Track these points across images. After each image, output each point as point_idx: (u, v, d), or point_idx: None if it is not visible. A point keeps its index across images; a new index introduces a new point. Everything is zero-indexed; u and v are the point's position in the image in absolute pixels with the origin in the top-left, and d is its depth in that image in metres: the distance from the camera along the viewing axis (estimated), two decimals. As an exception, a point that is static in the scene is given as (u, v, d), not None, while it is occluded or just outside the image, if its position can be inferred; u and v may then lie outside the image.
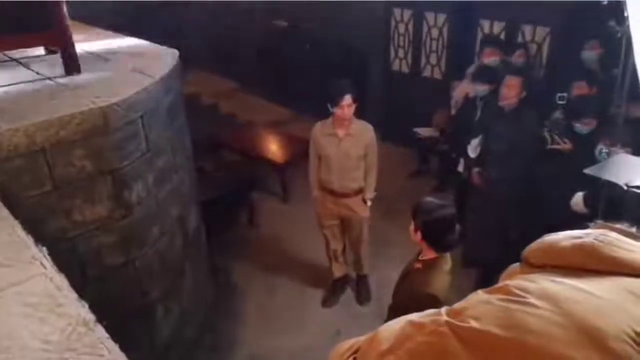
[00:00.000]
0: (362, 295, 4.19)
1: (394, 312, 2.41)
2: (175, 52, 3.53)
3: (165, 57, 3.43)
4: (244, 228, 5.31)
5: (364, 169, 3.76)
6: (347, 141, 3.64)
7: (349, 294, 4.31)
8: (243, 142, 6.18)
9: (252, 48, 8.13)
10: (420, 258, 2.47)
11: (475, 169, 3.96)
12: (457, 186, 4.78)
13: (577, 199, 3.08)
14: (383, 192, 5.64)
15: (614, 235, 1.12)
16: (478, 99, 4.39)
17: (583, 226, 1.95)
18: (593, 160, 3.15)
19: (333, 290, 4.26)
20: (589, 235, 1.13)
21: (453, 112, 5.09)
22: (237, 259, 4.79)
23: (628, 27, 2.30)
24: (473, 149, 3.95)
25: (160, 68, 3.13)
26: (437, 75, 6.08)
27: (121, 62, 3.30)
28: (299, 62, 7.48)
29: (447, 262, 2.41)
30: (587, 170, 1.75)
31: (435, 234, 2.35)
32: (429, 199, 2.43)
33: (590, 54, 4.31)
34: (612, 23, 2.45)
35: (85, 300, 1.60)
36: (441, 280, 2.33)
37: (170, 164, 3.14)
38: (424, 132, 5.62)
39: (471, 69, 4.94)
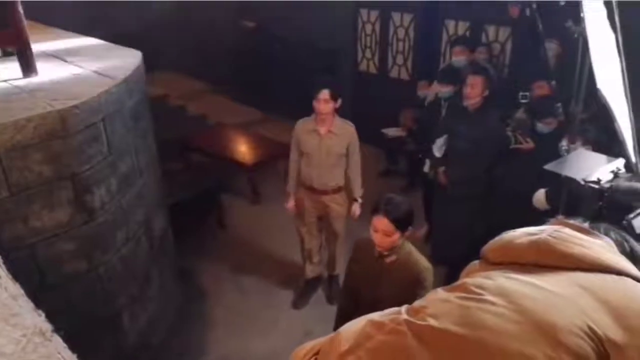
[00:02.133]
0: (333, 294, 4.19)
1: (386, 304, 2.43)
2: (139, 53, 3.47)
3: (128, 59, 3.36)
4: (213, 230, 5.26)
5: (344, 167, 3.78)
6: (329, 139, 3.65)
7: (319, 294, 4.31)
8: (212, 144, 6.12)
9: (221, 49, 8.07)
10: (387, 253, 2.51)
11: (441, 169, 4.01)
12: (425, 186, 4.83)
13: (539, 196, 3.14)
14: (353, 192, 5.70)
15: (567, 231, 1.15)
16: (443, 100, 4.46)
17: (544, 222, 2.00)
18: (556, 159, 3.23)
19: (304, 291, 4.25)
20: (544, 231, 1.15)
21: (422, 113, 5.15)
22: (206, 261, 4.73)
23: (584, 28, 2.36)
24: (438, 149, 4.00)
25: (123, 70, 3.07)
26: (404, 75, 6.14)
27: (81, 64, 3.23)
28: (268, 63, 7.47)
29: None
30: (546, 166, 1.79)
31: (410, 220, 2.48)
32: (389, 195, 2.52)
33: (549, 46, 4.39)
34: (569, 23, 2.50)
35: (44, 309, 1.55)
36: (419, 253, 2.54)
37: (135, 167, 3.08)
38: (391, 132, 5.67)
39: (440, 69, 5.02)
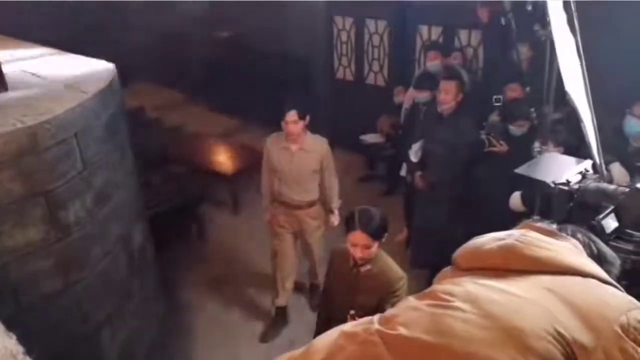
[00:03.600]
0: (315, 302, 4.18)
1: (362, 313, 2.46)
2: (112, 66, 3.44)
3: (101, 72, 3.33)
4: (194, 242, 5.22)
5: (317, 181, 3.73)
6: (300, 156, 3.60)
7: (302, 301, 4.30)
8: (191, 154, 6.08)
9: (196, 59, 8.05)
10: (361, 263, 2.53)
11: (418, 173, 4.05)
12: (405, 190, 4.87)
13: (515, 198, 3.19)
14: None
15: (533, 235, 1.17)
16: (421, 105, 4.50)
17: (521, 223, 2.02)
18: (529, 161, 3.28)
19: (275, 322, 4.02)
20: (511, 236, 1.17)
21: (402, 119, 5.19)
22: (187, 273, 4.69)
23: (550, 31, 2.41)
24: (414, 154, 4.04)
25: (96, 83, 3.04)
26: (381, 82, 6.20)
27: (53, 78, 3.19)
28: (244, 72, 7.48)
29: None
30: (517, 170, 1.82)
31: (385, 227, 2.51)
32: (360, 208, 2.54)
33: (520, 51, 4.47)
34: (536, 27, 2.55)
35: (20, 330, 1.53)
36: (393, 261, 2.59)
37: (111, 181, 3.04)
38: (369, 138, 5.72)
39: (416, 75, 5.07)
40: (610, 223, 1.57)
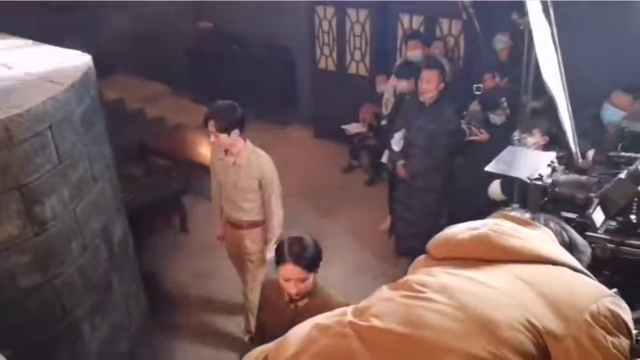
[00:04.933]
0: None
1: None
2: (88, 57, 3.37)
3: (77, 63, 3.26)
4: (177, 234, 5.19)
5: (260, 202, 3.35)
6: (235, 171, 3.26)
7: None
8: (173, 146, 6.02)
9: (178, 50, 7.96)
10: (298, 298, 2.31)
11: (400, 162, 4.06)
12: (388, 179, 4.89)
13: (494, 187, 3.22)
14: (317, 188, 5.73)
15: (507, 224, 1.18)
16: (404, 94, 4.51)
17: (500, 211, 2.03)
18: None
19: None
20: (485, 225, 1.18)
21: (384, 108, 5.19)
22: (170, 267, 4.67)
23: (528, 20, 2.42)
24: (396, 143, 4.05)
25: (71, 75, 2.98)
26: (363, 71, 6.20)
27: (27, 70, 3.12)
28: (227, 62, 7.43)
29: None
30: (487, 168, 1.82)
31: (319, 256, 2.32)
32: (290, 240, 2.31)
33: (500, 39, 4.50)
34: (514, 16, 2.56)
35: None
36: (331, 289, 2.37)
37: (88, 174, 2.99)
38: (352, 128, 5.73)
39: (397, 65, 5.07)
40: (599, 216, 1.58)
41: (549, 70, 1.95)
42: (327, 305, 2.14)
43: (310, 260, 2.23)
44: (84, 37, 5.41)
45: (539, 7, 1.72)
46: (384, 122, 5.09)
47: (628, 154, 1.68)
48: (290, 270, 2.21)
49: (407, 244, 4.21)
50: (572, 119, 1.75)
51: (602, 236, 1.64)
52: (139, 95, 7.24)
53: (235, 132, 3.11)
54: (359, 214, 5.27)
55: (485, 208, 2.83)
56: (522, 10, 2.42)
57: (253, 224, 3.40)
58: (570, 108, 1.73)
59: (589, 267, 1.68)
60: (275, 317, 2.34)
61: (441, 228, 1.30)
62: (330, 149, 6.44)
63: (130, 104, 7.00)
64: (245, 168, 3.23)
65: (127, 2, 7.08)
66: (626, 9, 4.07)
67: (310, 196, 5.57)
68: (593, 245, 1.69)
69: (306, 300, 2.29)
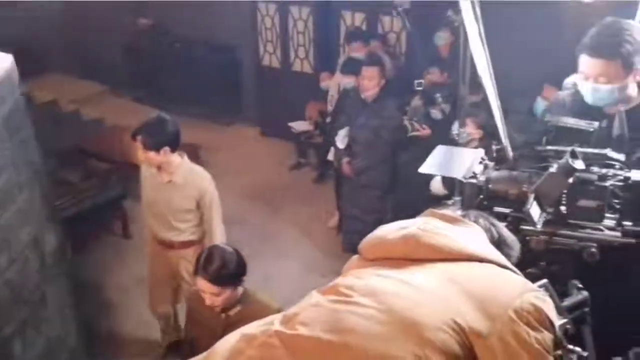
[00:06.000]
0: None
1: None
2: (9, 56, 3.16)
3: (-3, 64, 3.06)
4: (118, 240, 5.00)
5: (196, 221, 3.14)
6: (170, 189, 3.03)
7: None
8: (112, 148, 5.78)
9: (116, 48, 7.67)
10: (228, 308, 2.27)
11: (345, 159, 4.08)
12: (334, 176, 4.91)
13: (436, 182, 3.26)
14: (265, 187, 5.68)
15: (435, 223, 1.17)
16: (347, 91, 4.52)
17: (442, 205, 2.04)
18: (450, 144, 3.36)
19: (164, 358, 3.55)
20: (414, 224, 1.17)
21: (330, 105, 5.19)
22: (112, 273, 4.50)
23: (462, 17, 2.45)
24: (341, 140, 4.07)
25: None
26: (307, 68, 6.19)
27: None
28: (169, 60, 7.23)
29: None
30: (421, 170, 1.82)
31: (240, 271, 2.26)
32: (208, 252, 2.26)
33: (440, 36, 4.59)
34: (449, 13, 2.59)
35: None
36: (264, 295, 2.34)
37: (13, 182, 2.81)
38: (298, 126, 5.72)
39: (341, 61, 5.08)
40: (536, 210, 1.61)
41: (481, 66, 1.97)
42: (260, 313, 2.04)
43: (220, 277, 2.15)
44: (10, 34, 5.12)
45: (469, 5, 1.73)
46: (329, 119, 5.09)
47: (555, 148, 1.72)
48: (202, 283, 2.15)
49: (354, 240, 4.19)
50: (502, 113, 1.78)
51: (535, 229, 1.67)
52: (74, 95, 6.90)
53: (166, 150, 2.89)
54: (307, 211, 5.26)
55: (429, 203, 2.88)
56: (457, 7, 2.45)
57: (186, 244, 3.16)
58: (499, 103, 1.75)
59: (525, 260, 1.73)
60: (205, 329, 2.26)
61: (386, 224, 1.28)
62: (277, 147, 6.39)
63: (65, 105, 6.67)
64: (181, 187, 3.01)
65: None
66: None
67: (258, 195, 5.50)
68: (528, 238, 1.73)
69: (238, 308, 2.24)
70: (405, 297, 1.01)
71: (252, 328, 1.08)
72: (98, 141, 5.96)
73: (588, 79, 1.94)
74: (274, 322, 1.06)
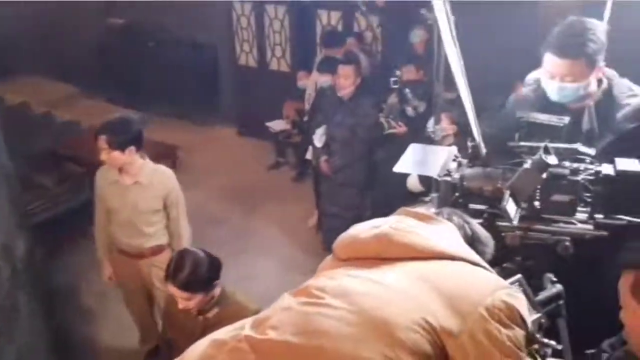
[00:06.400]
0: None
1: None
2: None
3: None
4: (94, 244, 4.90)
5: (164, 222, 3.07)
6: (135, 191, 2.94)
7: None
8: (88, 151, 5.65)
9: (89, 49, 7.54)
10: (206, 308, 2.24)
11: (323, 158, 4.09)
12: (313, 175, 4.90)
13: (412, 179, 3.27)
14: (244, 187, 5.64)
15: (408, 221, 1.16)
16: (324, 89, 4.51)
17: (419, 202, 2.04)
18: (426, 141, 3.38)
19: None
20: (387, 223, 1.16)
21: (307, 104, 5.17)
22: (88, 278, 4.39)
23: (435, 15, 2.45)
24: (318, 139, 4.07)
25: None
26: (284, 67, 6.17)
27: None
28: (143, 60, 7.13)
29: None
30: (395, 169, 1.81)
31: (213, 275, 2.22)
32: (176, 256, 2.23)
33: (416, 33, 4.61)
34: (423, 11, 2.60)
35: None
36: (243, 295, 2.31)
37: (-19, 188, 2.74)
38: (276, 125, 5.70)
39: (317, 60, 5.08)
40: (512, 207, 1.61)
41: (453, 63, 1.97)
42: (239, 314, 2.07)
43: (191, 283, 2.11)
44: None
45: (441, 3, 1.73)
46: (306, 118, 5.08)
47: (529, 144, 1.73)
48: (172, 290, 2.12)
49: (333, 239, 4.18)
50: (475, 110, 1.78)
51: (510, 224, 1.68)
52: (47, 97, 6.78)
53: (131, 149, 2.81)
54: (287, 210, 5.24)
55: (407, 199, 2.88)
56: (430, 5, 2.46)
57: (157, 250, 3.08)
58: (471, 99, 1.76)
59: (501, 256, 1.74)
60: (183, 331, 2.22)
61: (365, 221, 1.27)
62: (255, 147, 6.36)
63: (37, 107, 6.54)
64: (147, 187, 2.93)
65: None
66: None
67: (237, 196, 5.46)
68: (503, 234, 1.74)
69: (216, 310, 2.21)
70: (375, 296, 1.00)
71: (222, 333, 1.06)
72: (72, 144, 5.85)
73: (554, 78, 1.98)
74: (244, 326, 1.05)
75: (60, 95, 7.06)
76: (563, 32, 1.94)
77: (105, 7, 7.43)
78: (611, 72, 2.09)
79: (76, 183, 5.35)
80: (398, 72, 4.02)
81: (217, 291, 2.23)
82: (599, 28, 1.94)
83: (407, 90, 3.60)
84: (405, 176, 3.55)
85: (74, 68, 7.36)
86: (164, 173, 3.03)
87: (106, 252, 3.24)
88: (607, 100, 2.02)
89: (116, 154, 2.78)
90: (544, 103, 2.06)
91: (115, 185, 2.96)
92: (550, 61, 1.97)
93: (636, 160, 1.68)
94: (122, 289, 3.33)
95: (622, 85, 2.05)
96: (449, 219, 1.23)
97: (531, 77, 2.28)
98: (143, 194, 2.94)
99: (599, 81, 2.03)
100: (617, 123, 1.96)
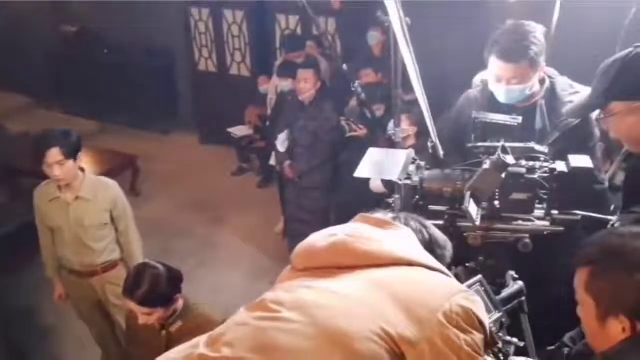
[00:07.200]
0: None
1: None
2: None
3: None
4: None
5: (114, 236, 2.96)
6: (79, 207, 2.80)
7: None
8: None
9: (40, 57, 7.29)
10: (170, 322, 2.20)
11: (287, 163, 4.07)
12: (278, 180, 4.86)
13: (375, 181, 3.28)
14: (208, 195, 5.55)
15: (364, 228, 1.15)
16: (285, 94, 4.50)
17: (384, 204, 2.03)
18: (388, 143, 3.40)
19: None
20: (343, 231, 1.15)
21: (269, 109, 5.14)
22: (48, 296, 4.23)
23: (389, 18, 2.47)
24: (281, 143, 4.05)
25: None
26: (245, 72, 6.12)
27: None
28: (99, 68, 6.95)
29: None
30: (356, 174, 1.81)
31: (173, 289, 2.17)
32: (139, 267, 2.19)
33: (373, 35, 4.64)
34: (379, 13, 2.61)
35: None
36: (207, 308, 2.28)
37: None
38: (238, 131, 5.65)
39: (277, 64, 5.06)
40: (474, 207, 1.62)
41: (408, 66, 1.99)
42: (203, 327, 1.97)
43: (150, 299, 2.06)
44: None
45: (394, 5, 1.74)
46: (268, 123, 5.05)
47: (486, 144, 1.75)
48: (131, 305, 2.07)
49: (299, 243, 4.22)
50: (431, 111, 1.80)
51: (471, 225, 1.69)
52: (-3, 109, 6.53)
53: (79, 158, 2.74)
54: (253, 217, 5.19)
55: (371, 202, 2.88)
56: (385, 8, 2.47)
57: (109, 266, 2.96)
58: (426, 100, 1.77)
59: (464, 256, 1.75)
60: (147, 347, 2.16)
61: (330, 224, 1.26)
62: (217, 154, 6.27)
63: (-14, 120, 6.28)
64: (91, 201, 2.81)
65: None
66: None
67: (201, 204, 5.37)
68: (465, 234, 1.76)
69: (179, 323, 2.16)
70: (331, 307, 0.99)
71: (176, 352, 1.03)
72: (27, 157, 5.63)
73: (501, 82, 2.05)
74: (199, 344, 1.02)
75: (12, 107, 6.81)
76: (506, 37, 2.01)
77: (56, 14, 7.20)
78: (552, 71, 2.19)
79: (31, 198, 5.16)
80: (358, 81, 4.05)
81: (179, 304, 2.19)
82: (539, 30, 2.02)
83: (358, 88, 3.61)
84: (368, 178, 3.57)
85: (27, 78, 7.11)
86: (107, 184, 2.92)
87: (55, 272, 3.10)
88: (551, 98, 2.11)
89: (69, 163, 2.67)
90: (492, 102, 2.12)
91: (56, 202, 2.83)
92: (496, 65, 2.04)
93: (587, 157, 1.72)
94: (77, 310, 3.22)
95: (564, 83, 2.14)
96: (406, 224, 1.22)
97: (477, 78, 2.35)
98: (87, 209, 2.81)
99: (542, 80, 2.12)
100: (562, 120, 2.03)
